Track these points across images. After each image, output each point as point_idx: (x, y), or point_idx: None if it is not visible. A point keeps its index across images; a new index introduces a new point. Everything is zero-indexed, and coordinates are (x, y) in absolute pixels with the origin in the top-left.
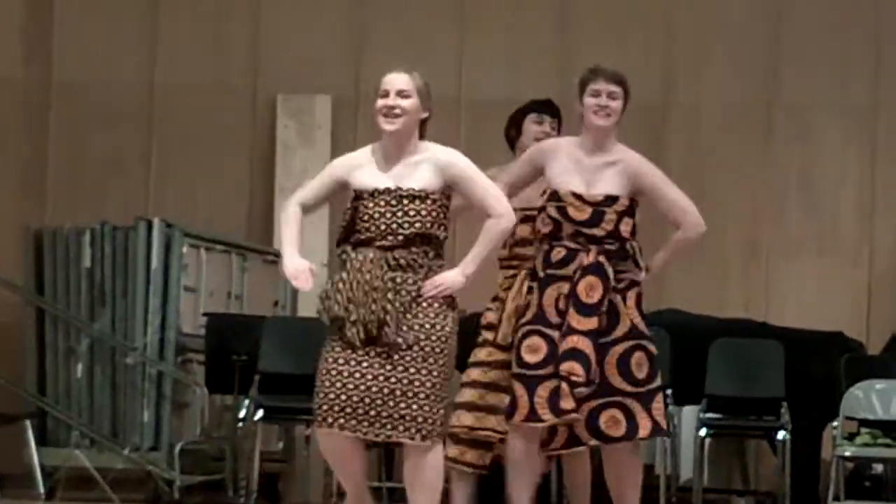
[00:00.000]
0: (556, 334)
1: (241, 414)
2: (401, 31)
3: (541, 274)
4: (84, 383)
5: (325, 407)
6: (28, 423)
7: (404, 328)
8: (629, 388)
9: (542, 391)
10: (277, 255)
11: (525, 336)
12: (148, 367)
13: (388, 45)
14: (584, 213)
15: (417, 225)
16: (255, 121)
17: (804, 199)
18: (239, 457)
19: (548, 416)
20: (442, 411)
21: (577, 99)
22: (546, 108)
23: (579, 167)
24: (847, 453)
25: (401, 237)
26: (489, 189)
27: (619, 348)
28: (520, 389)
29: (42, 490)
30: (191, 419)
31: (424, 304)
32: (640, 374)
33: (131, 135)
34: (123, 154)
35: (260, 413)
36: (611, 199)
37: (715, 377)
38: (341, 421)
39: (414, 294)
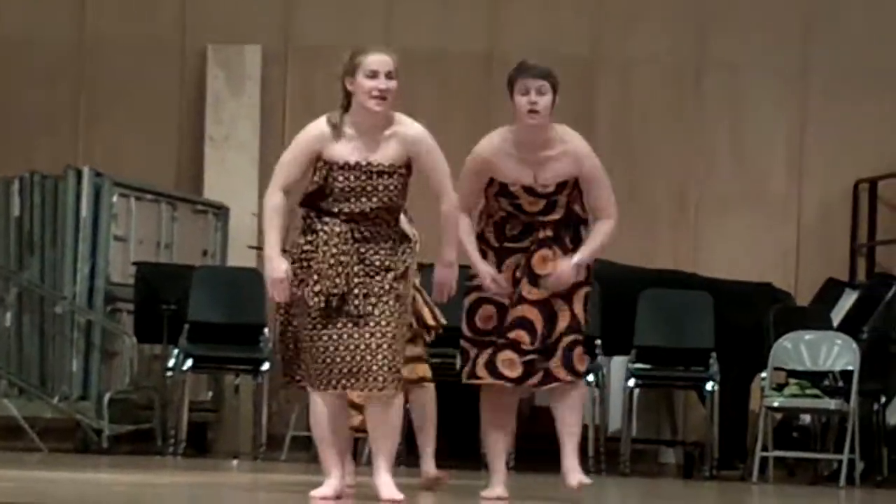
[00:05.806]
0: (507, 302)
1: (170, 363)
2: None
3: (495, 244)
4: (12, 332)
5: (318, 371)
6: None
7: (364, 297)
8: None
9: (483, 356)
10: (206, 204)
11: (479, 303)
12: (77, 317)
13: None
14: (538, 205)
15: (385, 199)
16: (185, 71)
17: (734, 155)
18: (168, 406)
19: (483, 374)
20: (401, 362)
21: (509, 96)
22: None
23: (525, 162)
24: (775, 404)
25: (368, 209)
26: (445, 175)
27: None
28: (471, 351)
29: None
30: (120, 368)
31: (384, 271)
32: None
33: (60, 88)
34: (52, 107)
35: (189, 362)
36: (560, 186)
37: (644, 328)
38: (333, 382)
39: (378, 263)
